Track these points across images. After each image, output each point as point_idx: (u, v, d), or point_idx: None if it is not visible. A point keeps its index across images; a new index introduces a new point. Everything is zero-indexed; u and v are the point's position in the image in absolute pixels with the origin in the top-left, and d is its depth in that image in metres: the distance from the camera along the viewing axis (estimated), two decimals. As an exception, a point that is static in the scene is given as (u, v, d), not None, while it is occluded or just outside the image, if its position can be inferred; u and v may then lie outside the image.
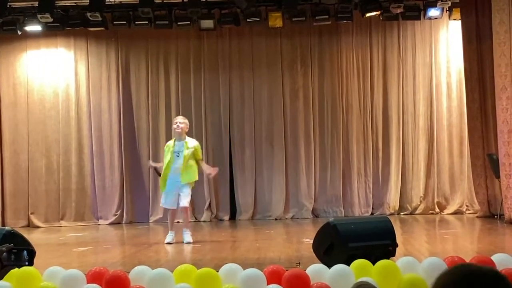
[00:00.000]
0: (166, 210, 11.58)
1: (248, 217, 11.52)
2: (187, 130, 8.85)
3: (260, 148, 11.66)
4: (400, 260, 5.54)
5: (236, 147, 11.65)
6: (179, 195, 8.54)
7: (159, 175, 8.77)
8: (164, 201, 8.79)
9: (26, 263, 2.76)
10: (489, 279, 1.74)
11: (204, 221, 11.40)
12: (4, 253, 2.74)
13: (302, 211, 11.50)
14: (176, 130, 8.67)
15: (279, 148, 11.62)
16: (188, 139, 8.71)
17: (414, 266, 5.41)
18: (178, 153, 8.52)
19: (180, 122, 8.68)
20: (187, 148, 8.53)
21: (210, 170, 8.97)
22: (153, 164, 9.29)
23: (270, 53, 11.72)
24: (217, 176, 9.36)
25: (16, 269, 2.90)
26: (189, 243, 8.48)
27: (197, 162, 8.67)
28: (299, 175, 11.59)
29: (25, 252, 2.76)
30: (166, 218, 11.45)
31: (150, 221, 11.53)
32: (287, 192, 11.57)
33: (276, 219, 11.43)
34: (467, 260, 5.50)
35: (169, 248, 8.37)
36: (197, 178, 8.76)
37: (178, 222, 9.44)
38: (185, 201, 8.54)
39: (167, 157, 8.58)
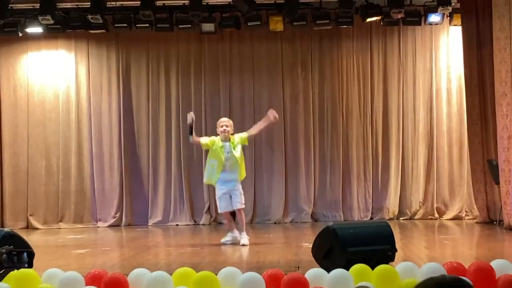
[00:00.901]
0: (167, 213, 11.67)
1: (247, 220, 11.42)
2: (232, 132, 8.58)
3: (259, 151, 11.66)
4: (399, 265, 5.54)
5: (235, 150, 11.63)
6: (230, 196, 8.42)
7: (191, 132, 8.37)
8: (220, 206, 8.56)
9: (26, 265, 2.76)
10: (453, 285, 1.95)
11: (203, 224, 11.41)
12: (4, 255, 2.73)
13: (302, 215, 11.50)
14: (224, 134, 8.43)
15: (278, 152, 11.63)
16: (232, 138, 8.49)
17: (413, 271, 5.41)
18: (228, 153, 8.38)
19: (227, 125, 8.49)
20: (234, 147, 8.40)
21: (270, 114, 8.67)
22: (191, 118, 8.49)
23: (270, 57, 11.74)
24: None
25: (15, 271, 2.90)
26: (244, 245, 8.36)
27: (248, 140, 8.56)
28: (298, 179, 11.59)
29: (24, 254, 2.75)
30: (166, 221, 11.55)
31: (149, 224, 11.53)
32: (287, 196, 11.57)
33: (275, 223, 11.43)
34: (466, 266, 5.51)
35: (168, 251, 8.35)
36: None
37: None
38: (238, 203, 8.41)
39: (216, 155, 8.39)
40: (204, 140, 8.58)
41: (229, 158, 8.39)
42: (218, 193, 8.52)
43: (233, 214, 8.59)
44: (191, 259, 7.32)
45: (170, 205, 11.64)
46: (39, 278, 5.39)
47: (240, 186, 8.48)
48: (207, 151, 8.86)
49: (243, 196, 8.53)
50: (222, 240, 8.58)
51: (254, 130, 8.76)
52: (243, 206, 8.60)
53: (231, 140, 8.45)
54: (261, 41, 11.69)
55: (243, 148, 8.69)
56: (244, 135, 8.61)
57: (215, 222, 11.45)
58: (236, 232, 8.59)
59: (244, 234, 8.50)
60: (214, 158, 8.44)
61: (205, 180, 8.88)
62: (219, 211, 8.77)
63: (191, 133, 8.35)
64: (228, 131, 8.46)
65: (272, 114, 8.68)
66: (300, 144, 11.63)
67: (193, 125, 8.34)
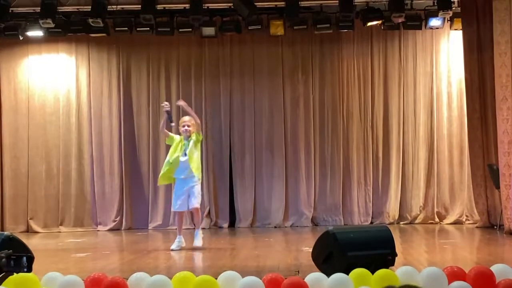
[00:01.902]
0: (167, 217, 11.66)
1: (247, 224, 11.51)
2: (193, 131, 8.66)
3: (260, 155, 11.66)
4: (400, 270, 5.53)
5: (236, 154, 11.65)
6: (188, 195, 8.46)
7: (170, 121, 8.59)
8: (174, 205, 8.62)
9: (25, 270, 2.75)
10: None
11: (203, 228, 11.35)
12: (3, 260, 2.72)
13: (302, 219, 11.49)
14: (185, 134, 8.54)
15: (279, 156, 11.62)
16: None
17: (413, 275, 5.40)
18: (185, 152, 8.44)
19: (188, 125, 8.56)
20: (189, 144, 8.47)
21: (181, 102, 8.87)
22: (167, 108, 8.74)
23: (271, 60, 11.74)
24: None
25: (14, 274, 2.90)
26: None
27: (199, 134, 8.59)
28: (298, 183, 11.58)
29: (24, 258, 2.75)
30: (166, 225, 11.54)
31: (149, 228, 11.52)
32: (287, 200, 11.56)
33: (275, 227, 11.42)
34: (467, 270, 5.50)
35: (167, 255, 8.34)
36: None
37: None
38: (195, 202, 8.44)
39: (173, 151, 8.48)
40: (171, 134, 8.70)
41: (186, 158, 8.42)
42: (174, 190, 8.58)
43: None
44: (191, 263, 7.33)
45: (170, 209, 11.59)
46: (38, 282, 5.39)
47: (199, 186, 8.50)
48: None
49: (200, 196, 8.57)
50: (172, 247, 8.49)
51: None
52: (198, 206, 8.60)
53: (190, 138, 8.52)
54: (262, 45, 11.69)
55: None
56: (198, 136, 8.64)
57: (215, 226, 11.44)
58: (181, 238, 8.57)
59: (199, 232, 8.50)
60: (171, 155, 8.52)
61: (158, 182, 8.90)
62: (173, 209, 8.80)
63: (171, 120, 8.61)
64: (190, 131, 8.52)
65: (178, 102, 9.00)
66: (301, 148, 11.63)
67: (171, 112, 8.68)
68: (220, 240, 10.08)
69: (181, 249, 8.45)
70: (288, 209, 11.55)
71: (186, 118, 8.74)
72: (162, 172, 8.66)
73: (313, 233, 10.11)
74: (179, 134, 8.67)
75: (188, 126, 8.53)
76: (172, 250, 8.41)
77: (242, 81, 11.76)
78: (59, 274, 5.58)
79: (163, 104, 8.80)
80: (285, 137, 11.66)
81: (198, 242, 8.46)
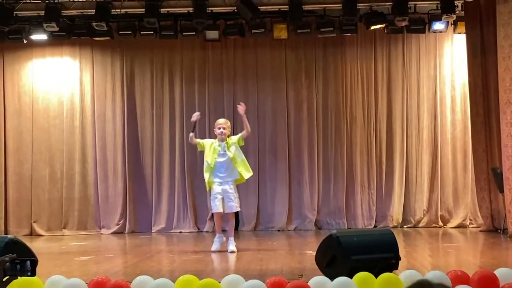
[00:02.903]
0: (170, 220, 11.66)
1: (250, 228, 11.51)
2: (229, 134, 8.65)
3: (263, 159, 11.66)
4: (403, 274, 5.53)
5: (239, 158, 11.63)
6: (223, 198, 8.46)
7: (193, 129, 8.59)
8: (213, 206, 8.59)
9: (29, 274, 2.75)
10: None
11: (206, 232, 11.39)
12: (7, 263, 2.73)
13: (305, 223, 11.48)
14: (220, 136, 8.51)
15: (282, 160, 11.62)
16: (228, 139, 8.58)
17: (417, 279, 5.38)
18: (221, 155, 8.44)
19: (224, 127, 8.54)
20: (229, 147, 8.46)
21: (239, 109, 8.72)
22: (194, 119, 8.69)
23: (274, 64, 11.75)
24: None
25: (18, 278, 2.91)
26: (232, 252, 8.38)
27: (243, 140, 8.59)
28: (302, 186, 11.58)
29: (28, 262, 2.75)
30: (169, 228, 11.55)
31: (152, 231, 11.53)
32: (290, 203, 11.56)
33: (278, 230, 11.42)
34: (470, 274, 5.49)
35: (171, 258, 8.34)
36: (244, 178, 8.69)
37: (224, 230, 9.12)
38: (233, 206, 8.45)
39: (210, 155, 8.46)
40: (200, 141, 8.70)
41: (224, 159, 8.43)
42: (212, 192, 8.54)
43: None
44: (194, 266, 7.32)
45: (174, 212, 11.64)
46: (42, 285, 5.39)
47: (235, 188, 8.51)
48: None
49: (238, 200, 8.56)
50: (213, 249, 8.53)
51: (244, 129, 8.70)
52: (238, 209, 8.62)
53: (227, 141, 8.53)
54: (265, 49, 11.71)
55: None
56: (238, 135, 8.67)
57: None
58: (222, 237, 8.61)
59: (232, 240, 8.52)
60: (207, 158, 8.51)
61: (206, 180, 8.76)
62: (211, 211, 8.76)
63: (193, 131, 8.57)
64: (225, 133, 8.52)
65: (240, 108, 8.75)
66: (304, 152, 11.63)
67: (196, 124, 8.62)
68: (223, 243, 10.06)
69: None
70: (291, 212, 11.55)
71: (221, 120, 8.79)
72: (207, 178, 8.53)
73: (317, 237, 10.10)
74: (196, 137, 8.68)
75: (224, 128, 8.53)
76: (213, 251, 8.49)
77: (246, 85, 11.77)
78: (62, 278, 5.59)
79: (196, 114, 8.69)
80: (289, 140, 11.66)
81: (231, 247, 8.45)
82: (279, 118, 11.69)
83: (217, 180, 8.47)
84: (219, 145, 8.50)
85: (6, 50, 11.52)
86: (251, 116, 11.67)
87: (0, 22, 10.40)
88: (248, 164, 8.68)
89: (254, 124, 11.66)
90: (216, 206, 8.50)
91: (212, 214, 11.38)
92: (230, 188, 8.47)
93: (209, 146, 8.54)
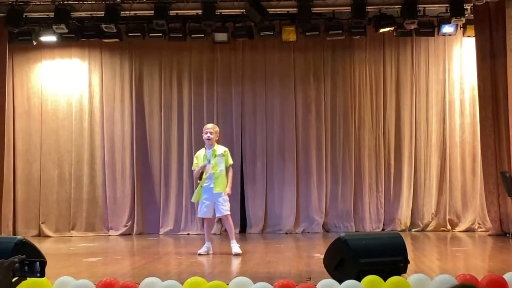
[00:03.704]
0: (178, 222, 11.66)
1: (258, 230, 11.50)
2: (217, 138, 8.65)
3: (271, 161, 11.66)
4: (412, 277, 5.51)
5: (247, 160, 11.65)
6: (214, 203, 8.44)
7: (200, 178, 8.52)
8: (199, 211, 8.61)
9: (38, 275, 2.75)
10: None
11: (214, 234, 11.37)
12: (17, 264, 2.73)
13: (313, 226, 11.47)
14: (207, 141, 8.48)
15: (290, 162, 11.61)
16: (216, 146, 8.55)
17: (426, 283, 5.38)
18: (209, 161, 8.42)
19: (211, 132, 8.50)
20: (215, 156, 8.44)
21: (228, 190, 8.54)
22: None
23: (283, 66, 11.75)
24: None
25: (27, 279, 2.91)
26: (237, 254, 8.35)
27: (227, 169, 8.52)
28: (310, 189, 11.57)
29: (37, 263, 2.75)
30: (177, 230, 11.55)
31: (160, 233, 11.55)
32: (298, 206, 11.55)
33: (286, 233, 11.40)
34: (479, 278, 5.47)
35: (179, 260, 8.35)
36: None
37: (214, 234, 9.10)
38: (223, 209, 8.41)
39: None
40: (195, 164, 8.62)
41: (211, 166, 8.40)
42: (201, 197, 8.51)
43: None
44: (202, 269, 7.33)
45: (182, 214, 11.65)
46: (51, 286, 5.40)
47: (223, 194, 8.42)
48: None
49: (228, 203, 8.48)
50: (199, 251, 8.53)
51: (229, 173, 8.59)
52: (228, 213, 8.56)
53: (213, 149, 8.47)
54: (274, 51, 11.71)
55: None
56: (229, 159, 8.54)
57: (226, 232, 11.39)
58: (209, 244, 8.58)
59: (234, 242, 8.49)
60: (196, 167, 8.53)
61: (192, 198, 8.79)
62: (198, 215, 8.71)
63: (200, 178, 8.48)
64: (212, 138, 8.47)
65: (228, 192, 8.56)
66: (312, 154, 11.61)
67: (204, 169, 8.45)
68: (209, 250, 10.05)
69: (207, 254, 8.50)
70: (299, 215, 11.54)
71: (209, 125, 8.72)
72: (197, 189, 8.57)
73: (324, 240, 10.09)
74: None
75: (211, 133, 8.48)
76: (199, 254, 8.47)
77: (254, 87, 11.77)
78: (71, 279, 5.60)
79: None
80: (297, 143, 11.65)
81: (236, 249, 8.45)
82: (287, 120, 11.68)
83: (205, 185, 8.43)
84: (205, 155, 8.48)
85: (15, 51, 11.55)
86: (260, 118, 11.70)
87: (10, 24, 10.45)
88: (225, 181, 8.46)
89: (262, 126, 11.69)
90: (203, 212, 8.51)
91: (219, 218, 11.45)
92: (218, 194, 8.41)
93: (202, 157, 8.51)
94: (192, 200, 8.94)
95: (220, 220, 11.44)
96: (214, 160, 8.41)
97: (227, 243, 10.08)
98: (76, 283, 5.48)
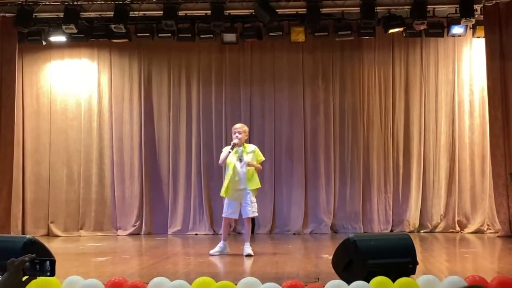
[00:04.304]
0: (186, 222, 11.67)
1: (266, 231, 11.50)
2: (246, 138, 8.57)
3: (279, 162, 11.65)
4: (420, 278, 5.50)
5: (256, 160, 11.63)
6: (241, 204, 8.42)
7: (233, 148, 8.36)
8: (225, 211, 8.53)
9: (48, 274, 2.76)
10: None
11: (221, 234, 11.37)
12: (27, 263, 2.73)
13: (321, 227, 11.45)
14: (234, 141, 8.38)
15: (298, 163, 11.60)
16: (246, 145, 8.52)
17: (435, 284, 5.36)
18: (240, 159, 8.37)
19: (239, 132, 8.41)
20: (246, 153, 8.40)
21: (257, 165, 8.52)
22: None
23: (291, 67, 11.74)
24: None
25: (37, 278, 2.92)
26: (249, 255, 8.31)
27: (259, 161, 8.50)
28: (318, 190, 11.55)
29: (47, 262, 2.76)
30: (185, 230, 11.56)
31: (168, 233, 11.55)
32: (306, 207, 11.53)
33: (294, 233, 11.39)
34: (488, 280, 5.45)
35: (187, 260, 8.35)
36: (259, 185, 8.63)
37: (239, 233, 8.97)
38: (249, 211, 8.35)
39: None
40: (223, 155, 8.55)
41: (242, 164, 8.38)
42: (228, 197, 8.48)
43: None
44: (211, 269, 7.33)
45: (190, 214, 11.66)
46: (60, 285, 5.42)
47: (251, 195, 8.40)
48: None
49: (255, 204, 8.45)
50: (211, 252, 8.51)
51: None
52: (256, 215, 8.56)
53: (244, 146, 8.46)
54: (283, 52, 11.70)
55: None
56: (260, 156, 8.56)
57: (234, 232, 11.42)
58: (225, 243, 8.55)
59: (248, 245, 8.45)
60: (228, 165, 8.46)
61: (221, 193, 8.72)
62: (223, 215, 8.64)
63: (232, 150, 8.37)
64: (241, 138, 8.43)
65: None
66: (320, 155, 11.60)
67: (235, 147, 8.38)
68: (240, 246, 10.02)
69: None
70: (307, 216, 11.52)
71: (238, 125, 8.65)
72: (226, 183, 8.45)
73: (333, 241, 10.08)
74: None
75: (239, 133, 8.42)
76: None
77: (263, 88, 11.77)
78: (80, 278, 5.61)
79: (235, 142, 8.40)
80: (305, 143, 11.64)
81: (248, 251, 8.40)
82: (295, 121, 11.67)
83: (234, 185, 8.39)
84: (236, 151, 8.44)
85: (25, 51, 11.59)
86: (268, 119, 11.69)
87: (20, 24, 10.49)
88: (256, 178, 8.49)
89: (270, 127, 11.68)
90: (229, 212, 8.48)
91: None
92: (247, 193, 8.40)
93: (233, 152, 8.40)
94: (221, 194, 8.70)
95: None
96: (248, 156, 8.38)
97: (235, 243, 10.10)
98: (85, 283, 5.50)
